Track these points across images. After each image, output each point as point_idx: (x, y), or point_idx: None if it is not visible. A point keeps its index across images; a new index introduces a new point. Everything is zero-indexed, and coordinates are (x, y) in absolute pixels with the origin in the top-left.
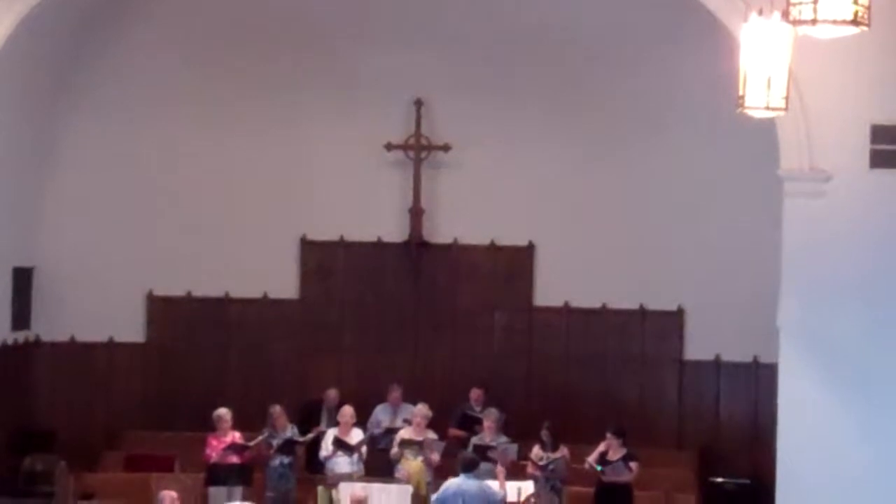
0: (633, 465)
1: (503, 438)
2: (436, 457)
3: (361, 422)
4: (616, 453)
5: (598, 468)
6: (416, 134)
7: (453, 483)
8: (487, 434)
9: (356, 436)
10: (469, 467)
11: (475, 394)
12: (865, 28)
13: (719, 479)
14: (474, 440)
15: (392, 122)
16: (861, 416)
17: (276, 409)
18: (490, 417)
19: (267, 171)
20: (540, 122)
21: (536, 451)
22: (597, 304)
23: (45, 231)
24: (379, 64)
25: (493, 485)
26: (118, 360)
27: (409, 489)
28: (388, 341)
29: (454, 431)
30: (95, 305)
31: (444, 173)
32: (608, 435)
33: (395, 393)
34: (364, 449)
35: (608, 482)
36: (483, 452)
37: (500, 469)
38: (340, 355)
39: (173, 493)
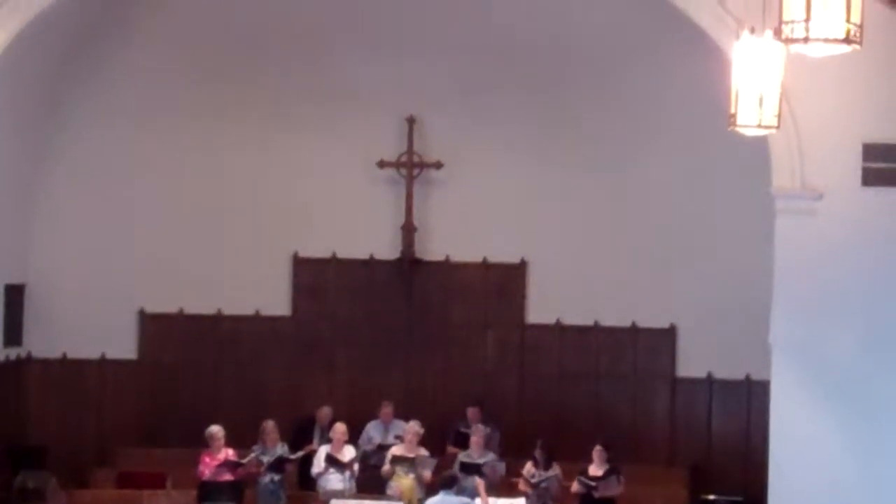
0: (621, 478)
1: (491, 455)
2: (427, 474)
3: (353, 439)
4: (600, 467)
5: (594, 484)
6: (408, 151)
7: (434, 501)
8: (475, 450)
9: (348, 453)
10: (448, 484)
11: (471, 412)
12: (857, 46)
13: (711, 497)
14: (461, 457)
15: (384, 140)
16: (853, 433)
17: (269, 425)
18: (477, 433)
19: (259, 189)
20: (532, 140)
21: (528, 468)
22: (589, 322)
23: (37, 247)
24: (371, 81)
25: (478, 502)
26: (110, 377)
27: None
28: (380, 358)
29: (451, 449)
30: (87, 322)
31: (437, 191)
32: (598, 448)
33: (387, 410)
34: (356, 466)
35: (599, 497)
36: (470, 469)
37: (479, 482)
38: (332, 372)
39: None
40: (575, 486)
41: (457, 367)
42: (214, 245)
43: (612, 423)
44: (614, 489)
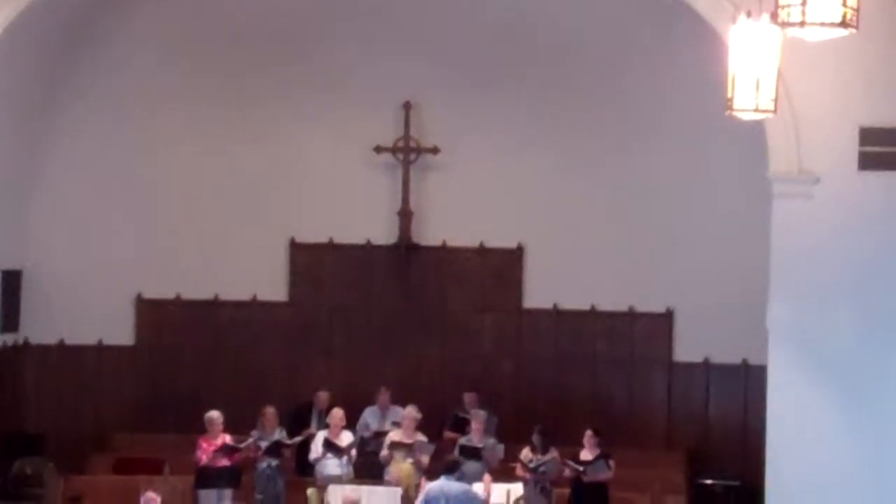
0: (611, 462)
1: (491, 440)
2: (425, 459)
3: (351, 424)
4: (591, 452)
5: (581, 468)
6: (405, 136)
7: (435, 486)
8: (475, 435)
9: (346, 438)
10: (451, 469)
11: (468, 397)
12: (854, 30)
13: (708, 481)
14: (462, 441)
15: (381, 125)
16: (850, 418)
17: (270, 411)
18: (478, 419)
19: (256, 174)
20: (529, 125)
21: (526, 452)
22: (586, 306)
23: (34, 234)
24: (368, 66)
25: (479, 487)
26: (107, 363)
27: (399, 491)
28: (377, 344)
29: (448, 434)
30: (84, 308)
31: (433, 176)
32: (588, 433)
33: (384, 396)
34: (353, 451)
35: (587, 482)
36: (470, 453)
37: (486, 476)
38: (329, 358)
39: (150, 494)
40: (566, 471)
41: (454, 352)
42: (211, 231)
43: (608, 407)
44: (603, 474)
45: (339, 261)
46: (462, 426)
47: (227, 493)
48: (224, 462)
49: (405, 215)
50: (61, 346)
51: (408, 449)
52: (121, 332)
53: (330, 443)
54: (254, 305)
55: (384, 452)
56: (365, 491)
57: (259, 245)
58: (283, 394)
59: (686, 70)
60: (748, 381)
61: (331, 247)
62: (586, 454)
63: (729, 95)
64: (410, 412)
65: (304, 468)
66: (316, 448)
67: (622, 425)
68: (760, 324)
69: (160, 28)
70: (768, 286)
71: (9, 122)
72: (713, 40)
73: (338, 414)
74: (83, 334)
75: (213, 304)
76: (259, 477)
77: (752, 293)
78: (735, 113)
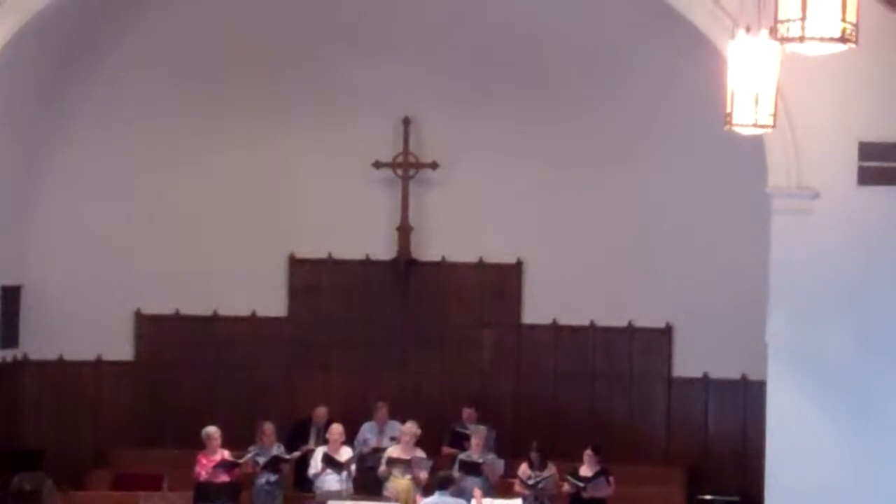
0: (611, 479)
1: (490, 455)
2: (423, 475)
3: (350, 439)
4: (591, 469)
5: (582, 484)
6: (404, 152)
7: (429, 502)
8: (475, 451)
9: (345, 453)
10: (444, 485)
11: (466, 412)
12: (853, 45)
13: (708, 497)
14: (461, 456)
15: (380, 141)
16: (849, 432)
17: (268, 428)
18: (478, 434)
19: (255, 190)
20: (528, 141)
21: (524, 468)
22: (585, 322)
23: (34, 249)
24: (367, 82)
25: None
26: (106, 379)
27: None
28: (376, 359)
29: (447, 449)
30: (84, 324)
31: (432, 191)
32: (588, 452)
33: (382, 411)
34: (353, 467)
35: (587, 498)
36: (470, 468)
37: (476, 491)
38: (328, 373)
39: None
40: (565, 486)
41: (453, 368)
42: (210, 246)
43: (607, 422)
44: (603, 490)
45: (338, 276)
46: (460, 441)
47: None
48: (223, 477)
49: (404, 231)
50: (60, 362)
51: (406, 465)
52: (120, 347)
53: (329, 458)
54: (253, 321)
55: (382, 468)
56: None
57: (258, 260)
58: (281, 408)
59: (685, 85)
60: (747, 396)
61: (330, 262)
62: (586, 470)
63: (728, 110)
64: (410, 427)
65: (302, 483)
66: (315, 463)
67: (621, 441)
68: (760, 339)
69: (159, 42)
70: (767, 301)
71: (8, 137)
72: (712, 55)
73: (337, 429)
74: (82, 350)
75: (213, 320)
76: (258, 492)
77: (752, 308)
78: (734, 128)
